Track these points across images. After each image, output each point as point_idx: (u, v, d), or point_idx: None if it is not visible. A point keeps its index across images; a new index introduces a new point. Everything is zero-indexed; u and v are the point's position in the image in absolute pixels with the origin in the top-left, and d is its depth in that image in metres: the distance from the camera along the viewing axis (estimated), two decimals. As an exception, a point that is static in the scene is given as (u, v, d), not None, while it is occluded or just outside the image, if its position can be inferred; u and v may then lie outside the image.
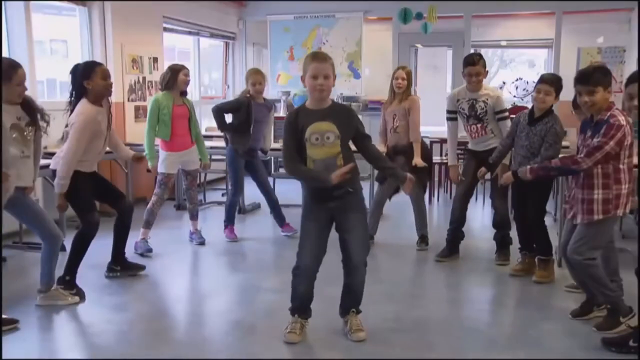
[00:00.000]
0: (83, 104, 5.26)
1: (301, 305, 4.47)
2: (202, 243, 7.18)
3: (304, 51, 12.10)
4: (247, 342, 4.45)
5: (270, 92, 7.32)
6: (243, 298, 5.49)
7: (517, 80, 13.96)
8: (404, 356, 4.21)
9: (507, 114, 6.33)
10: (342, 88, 11.82)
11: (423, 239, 7.06)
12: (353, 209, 4.33)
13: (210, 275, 6.28)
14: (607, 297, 4.53)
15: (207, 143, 7.83)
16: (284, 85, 12.30)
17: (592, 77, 4.38)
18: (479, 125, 6.30)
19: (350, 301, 4.53)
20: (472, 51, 11.11)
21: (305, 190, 4.38)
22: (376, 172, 7.22)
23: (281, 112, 11.28)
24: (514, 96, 13.59)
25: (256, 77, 7.27)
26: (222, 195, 10.18)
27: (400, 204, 7.85)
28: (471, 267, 6.39)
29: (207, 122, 12.16)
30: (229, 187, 7.64)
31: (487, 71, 6.44)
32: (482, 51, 13.22)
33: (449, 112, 6.53)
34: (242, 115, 7.20)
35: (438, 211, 9.40)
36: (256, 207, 9.27)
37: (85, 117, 5.20)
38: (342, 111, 4.31)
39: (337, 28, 12.02)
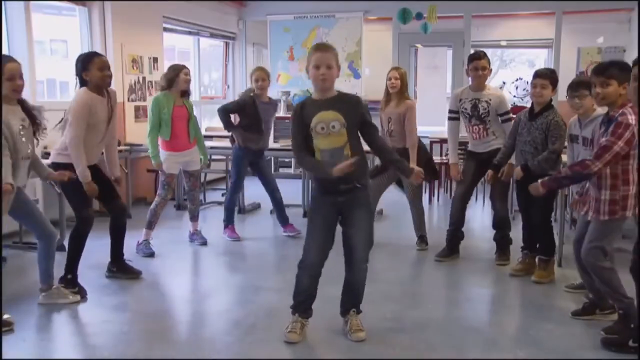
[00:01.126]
0: (80, 91, 5.35)
1: (303, 302, 4.47)
2: (204, 243, 7.17)
3: (304, 51, 12.08)
4: (247, 342, 4.46)
5: (270, 92, 7.33)
6: (243, 298, 5.49)
7: (517, 80, 13.98)
8: (403, 356, 4.22)
9: (510, 115, 6.33)
10: (341, 88, 11.65)
11: (422, 239, 7.06)
12: (360, 204, 4.36)
13: (210, 275, 6.29)
14: (620, 302, 4.40)
15: (208, 143, 7.83)
16: (284, 85, 12.31)
17: (608, 69, 4.30)
18: (480, 127, 6.31)
19: (351, 300, 4.55)
20: (472, 51, 11.10)
21: (313, 184, 4.44)
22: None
23: (281, 112, 11.25)
24: (514, 96, 13.60)
25: (259, 73, 7.31)
26: (222, 195, 10.17)
27: (400, 203, 7.85)
28: (471, 267, 6.39)
29: (207, 122, 12.16)
30: (229, 187, 7.66)
31: (491, 69, 6.47)
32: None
33: (451, 111, 6.53)
34: (249, 114, 7.23)
35: (438, 211, 9.39)
36: (256, 207, 9.27)
37: (79, 102, 5.28)
38: (348, 100, 4.31)
39: (337, 28, 12.02)
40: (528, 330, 4.66)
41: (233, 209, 7.61)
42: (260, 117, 7.25)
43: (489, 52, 6.44)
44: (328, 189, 4.30)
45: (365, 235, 4.40)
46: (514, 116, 6.12)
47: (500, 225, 6.46)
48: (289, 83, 12.26)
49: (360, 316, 4.53)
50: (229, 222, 7.50)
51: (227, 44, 13.00)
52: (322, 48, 4.28)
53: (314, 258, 4.35)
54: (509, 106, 6.43)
